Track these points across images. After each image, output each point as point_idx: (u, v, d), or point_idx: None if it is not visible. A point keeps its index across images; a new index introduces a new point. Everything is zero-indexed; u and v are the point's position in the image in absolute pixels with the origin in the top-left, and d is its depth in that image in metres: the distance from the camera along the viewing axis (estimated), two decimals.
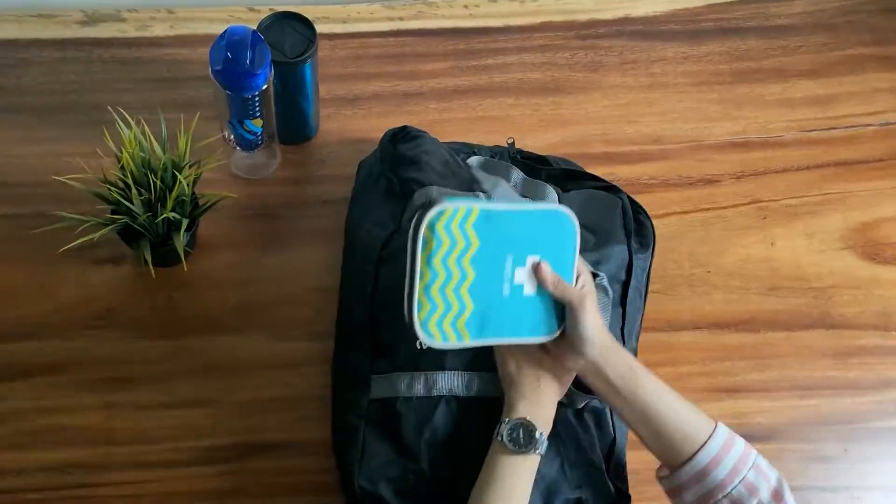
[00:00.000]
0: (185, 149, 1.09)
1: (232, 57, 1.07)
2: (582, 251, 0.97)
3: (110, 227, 1.09)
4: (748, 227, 1.29)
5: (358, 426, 1.05)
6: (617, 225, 1.14)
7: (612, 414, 1.09)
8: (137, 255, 1.12)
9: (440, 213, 0.87)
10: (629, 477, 1.10)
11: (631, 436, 1.12)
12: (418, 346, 1.03)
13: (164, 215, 1.07)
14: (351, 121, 1.32)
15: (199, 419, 1.12)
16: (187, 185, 1.09)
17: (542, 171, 1.20)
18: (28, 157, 1.24)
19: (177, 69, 1.32)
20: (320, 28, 1.18)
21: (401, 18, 1.39)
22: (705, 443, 0.93)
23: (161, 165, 1.08)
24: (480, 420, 1.00)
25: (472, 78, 1.37)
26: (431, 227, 0.87)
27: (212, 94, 1.14)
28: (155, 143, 1.10)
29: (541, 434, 0.93)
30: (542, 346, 0.97)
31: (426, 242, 0.87)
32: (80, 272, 1.18)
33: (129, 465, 1.10)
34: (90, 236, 1.08)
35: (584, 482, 1.04)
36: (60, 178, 1.10)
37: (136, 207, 1.07)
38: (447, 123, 1.32)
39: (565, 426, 1.03)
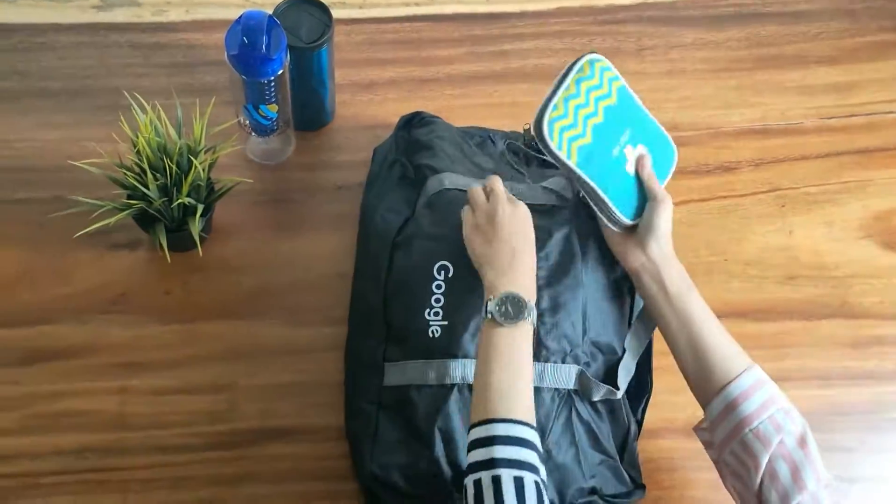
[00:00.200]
0: (201, 134, 1.09)
1: (248, 42, 1.07)
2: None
3: (126, 212, 1.09)
4: (766, 216, 1.28)
5: (371, 413, 1.05)
6: None
7: (626, 405, 1.09)
8: (153, 240, 1.13)
9: (600, 58, 1.05)
10: (646, 466, 1.10)
11: (646, 426, 1.12)
12: (430, 335, 1.02)
13: (180, 200, 1.07)
14: (366, 106, 1.31)
15: (213, 404, 1.12)
16: (203, 170, 1.09)
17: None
18: (44, 142, 1.25)
19: (192, 54, 1.32)
20: (336, 13, 1.18)
21: (417, 4, 1.38)
22: (738, 376, 0.97)
23: (177, 150, 1.08)
24: None
25: (488, 64, 1.36)
26: (591, 62, 1.04)
27: (227, 80, 1.14)
28: (170, 128, 1.09)
29: (528, 301, 0.94)
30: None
31: (582, 69, 1.03)
32: (95, 257, 1.18)
33: (143, 450, 1.10)
34: (106, 221, 1.08)
35: (599, 472, 1.03)
36: (77, 163, 1.10)
37: (152, 192, 1.07)
38: (463, 109, 1.31)
39: (580, 417, 1.03)
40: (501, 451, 0.86)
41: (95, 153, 1.16)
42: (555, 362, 1.02)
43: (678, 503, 1.12)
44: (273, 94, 1.13)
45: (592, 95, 1.04)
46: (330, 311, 1.17)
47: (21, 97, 1.28)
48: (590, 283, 1.06)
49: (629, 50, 1.38)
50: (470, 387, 1.01)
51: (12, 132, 1.25)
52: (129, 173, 1.08)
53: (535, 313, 0.95)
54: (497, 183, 1.04)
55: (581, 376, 1.03)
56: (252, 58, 1.07)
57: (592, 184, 1.03)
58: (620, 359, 1.07)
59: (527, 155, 1.21)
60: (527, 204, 1.04)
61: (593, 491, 1.03)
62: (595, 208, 1.05)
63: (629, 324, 1.10)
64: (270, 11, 1.11)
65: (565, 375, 1.02)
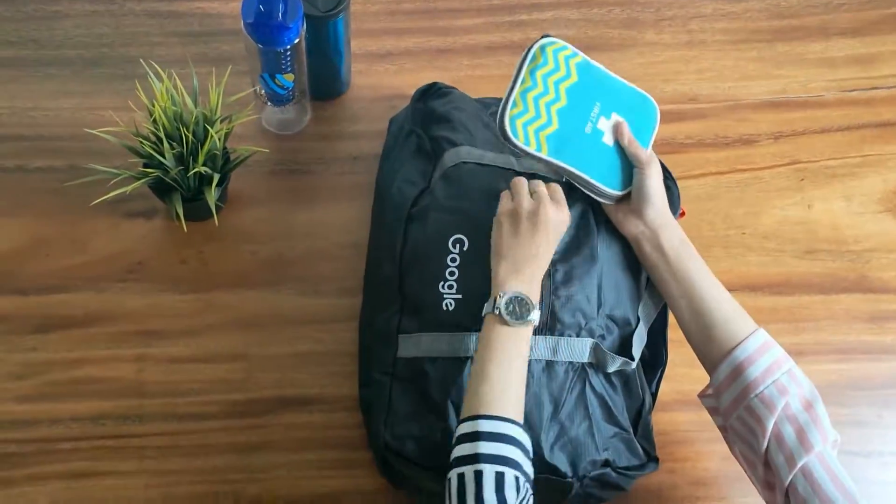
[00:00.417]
0: (217, 103, 1.09)
1: (264, 10, 1.06)
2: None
3: (142, 180, 1.09)
4: (785, 189, 1.27)
5: (384, 383, 1.05)
6: None
7: (641, 378, 1.09)
8: (169, 209, 1.13)
9: (553, 41, 1.02)
10: (660, 438, 1.10)
11: (660, 398, 1.11)
12: (444, 307, 1.02)
13: (196, 169, 1.07)
14: (383, 76, 1.30)
15: (229, 373, 1.13)
16: (219, 139, 1.09)
17: None
18: (61, 111, 1.25)
19: (208, 23, 1.31)
20: None
21: None
22: (743, 340, 0.96)
23: (193, 119, 1.08)
24: None
25: (506, 34, 1.35)
26: (542, 48, 1.01)
27: (243, 49, 1.13)
28: (187, 97, 1.09)
29: (534, 304, 0.95)
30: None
31: (534, 58, 1.01)
32: (112, 225, 1.19)
33: (160, 417, 1.11)
34: (122, 189, 1.08)
35: (612, 445, 1.03)
36: (93, 131, 1.10)
37: (168, 161, 1.07)
38: (480, 80, 1.30)
39: (594, 390, 1.03)
40: (486, 447, 0.88)
41: (112, 122, 1.16)
42: (569, 335, 1.02)
43: (691, 475, 1.12)
44: (289, 64, 1.12)
45: (551, 81, 1.02)
46: (345, 281, 1.17)
47: (37, 65, 1.28)
48: (605, 257, 1.05)
49: (648, 20, 1.37)
50: None
51: (29, 101, 1.25)
52: (145, 142, 1.08)
53: (539, 316, 0.95)
54: (541, 185, 1.02)
55: (596, 349, 1.02)
56: (268, 26, 1.07)
57: (570, 168, 1.03)
58: (635, 330, 1.06)
59: None
60: (541, 177, 1.04)
61: (606, 463, 1.03)
62: (582, 188, 1.05)
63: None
64: None
65: (580, 349, 1.02)
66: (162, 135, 1.07)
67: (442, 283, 1.03)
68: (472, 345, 1.01)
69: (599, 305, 1.04)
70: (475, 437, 0.89)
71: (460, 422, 0.92)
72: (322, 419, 1.12)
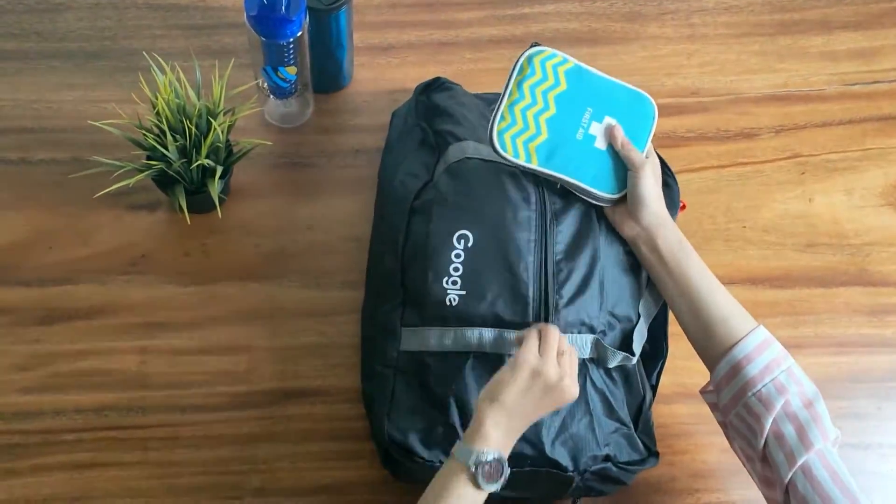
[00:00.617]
0: (220, 96, 1.09)
1: (267, 3, 1.06)
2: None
3: (146, 172, 1.09)
4: (786, 183, 1.28)
5: (387, 376, 1.05)
6: None
7: (641, 373, 1.09)
8: (172, 201, 1.13)
9: (540, 51, 1.03)
10: (660, 431, 1.10)
11: (661, 391, 1.12)
12: (448, 303, 1.03)
13: (199, 162, 1.08)
14: (385, 70, 1.31)
15: (232, 365, 1.13)
16: (222, 132, 1.09)
17: None
18: (64, 103, 1.25)
19: (211, 15, 1.31)
20: None
21: None
22: (742, 338, 0.96)
23: (196, 112, 1.08)
24: None
25: (508, 27, 1.35)
26: (530, 59, 1.02)
27: (246, 41, 1.13)
28: (190, 90, 1.09)
29: (508, 471, 0.89)
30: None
31: (522, 69, 1.02)
32: (115, 218, 1.19)
33: (163, 409, 1.11)
34: (126, 182, 1.08)
35: (613, 440, 1.04)
36: (96, 124, 1.10)
37: (172, 153, 1.07)
38: (482, 73, 1.31)
39: (595, 385, 1.03)
40: None
41: (115, 114, 1.16)
42: (570, 332, 1.02)
43: (691, 467, 1.12)
44: (292, 56, 1.13)
45: (539, 91, 1.02)
46: (347, 273, 1.18)
47: (40, 58, 1.28)
48: (607, 255, 1.05)
49: (650, 14, 1.37)
50: (486, 355, 1.01)
51: (32, 93, 1.25)
52: (148, 134, 1.08)
53: (502, 484, 0.89)
54: (571, 355, 0.95)
55: (596, 344, 1.03)
56: (271, 19, 1.07)
57: (562, 176, 1.03)
58: (635, 326, 1.07)
59: None
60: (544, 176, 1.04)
61: (607, 458, 1.03)
62: (577, 193, 1.05)
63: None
64: None
65: (580, 344, 1.02)
66: (165, 127, 1.07)
67: (447, 278, 1.03)
68: (475, 340, 1.01)
69: (601, 303, 1.04)
70: None
71: None
72: (324, 411, 1.12)
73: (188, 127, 1.07)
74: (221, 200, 1.18)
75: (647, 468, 1.06)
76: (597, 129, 1.04)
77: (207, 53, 1.26)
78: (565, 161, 1.03)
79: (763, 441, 0.94)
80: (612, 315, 1.05)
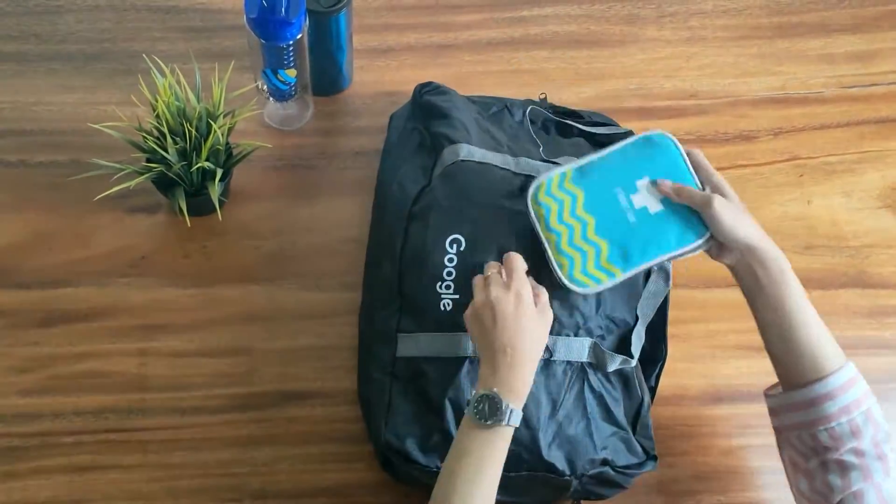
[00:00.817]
0: (220, 98, 1.09)
1: (267, 5, 1.06)
2: None
3: (146, 175, 1.09)
4: (785, 185, 1.28)
5: (384, 382, 1.06)
6: None
7: (640, 377, 1.09)
8: (172, 203, 1.13)
9: (538, 187, 1.01)
10: (659, 433, 1.10)
11: (660, 393, 1.12)
12: (442, 308, 1.03)
13: (199, 164, 1.08)
14: (384, 72, 1.31)
15: (231, 367, 1.13)
16: (222, 134, 1.09)
17: (574, 127, 1.19)
18: (63, 105, 1.25)
19: (211, 18, 1.32)
20: None
21: None
22: (829, 375, 0.94)
23: (196, 115, 1.08)
24: None
25: (507, 30, 1.35)
26: (535, 200, 1.00)
27: (246, 44, 1.14)
28: (189, 92, 1.10)
29: (507, 406, 0.90)
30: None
31: (537, 213, 1.00)
32: (115, 220, 1.19)
33: (163, 411, 1.11)
34: (125, 184, 1.09)
35: (611, 444, 1.04)
36: (96, 126, 1.10)
37: (172, 156, 1.07)
38: (481, 76, 1.31)
39: (593, 389, 1.03)
40: None
41: (114, 116, 1.16)
42: (567, 335, 1.02)
43: (692, 469, 1.12)
44: (291, 59, 1.13)
45: (566, 217, 1.00)
46: (347, 276, 1.18)
47: (39, 60, 1.28)
48: None
49: (649, 17, 1.37)
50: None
51: (31, 95, 1.25)
52: (148, 137, 1.08)
53: (517, 417, 0.90)
54: (517, 266, 0.96)
55: (595, 348, 1.03)
56: (271, 21, 1.07)
57: (651, 263, 0.99)
58: (633, 329, 1.07)
59: (546, 122, 1.20)
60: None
61: (605, 462, 1.03)
62: (678, 259, 1.02)
63: None
64: None
65: (578, 348, 1.02)
66: (165, 130, 1.07)
67: (440, 283, 1.03)
68: (470, 345, 1.01)
69: (598, 305, 1.04)
70: None
71: None
72: (324, 413, 1.12)
73: (188, 129, 1.07)
74: (221, 203, 1.18)
75: (646, 472, 1.07)
76: (640, 199, 1.00)
77: (207, 56, 1.26)
78: (642, 249, 0.99)
79: (818, 463, 0.93)
80: (610, 319, 1.05)
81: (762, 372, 1.16)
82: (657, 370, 1.12)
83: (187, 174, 1.10)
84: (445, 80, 1.28)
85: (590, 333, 1.03)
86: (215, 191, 1.09)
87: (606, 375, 1.05)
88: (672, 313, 1.12)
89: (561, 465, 1.01)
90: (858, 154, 1.30)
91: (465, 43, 1.34)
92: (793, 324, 0.96)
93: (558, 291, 1.00)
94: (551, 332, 0.99)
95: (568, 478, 1.02)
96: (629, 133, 1.16)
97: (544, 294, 0.97)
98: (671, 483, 1.12)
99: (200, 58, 1.22)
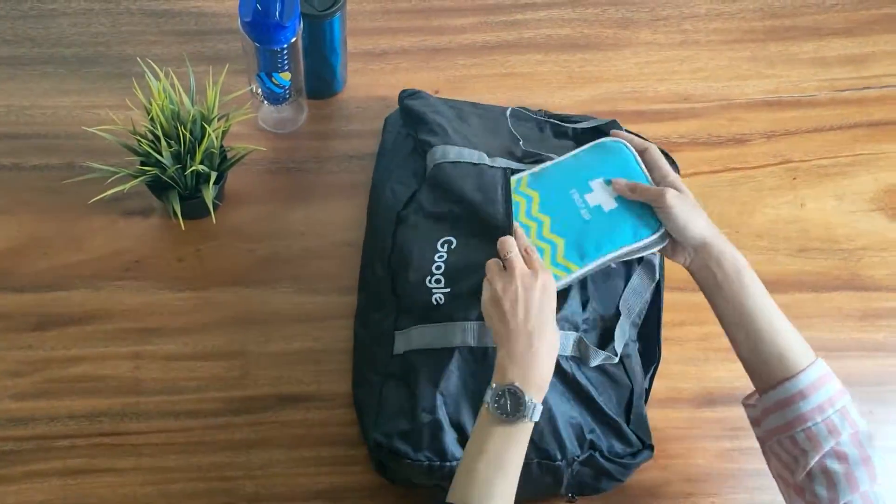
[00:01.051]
0: (214, 101, 1.09)
1: (261, 9, 1.07)
2: None
3: (140, 178, 1.09)
4: (778, 188, 1.28)
5: (376, 383, 1.06)
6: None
7: (629, 367, 1.09)
8: (166, 207, 1.13)
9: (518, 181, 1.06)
10: (654, 435, 1.10)
11: (654, 395, 1.13)
12: (434, 302, 1.03)
13: (193, 167, 1.08)
14: (378, 76, 1.31)
15: (226, 370, 1.13)
16: (216, 137, 1.09)
17: (569, 129, 1.20)
18: (57, 109, 1.25)
19: (205, 22, 1.32)
20: None
21: None
22: (799, 373, 0.93)
23: (190, 118, 1.08)
24: (493, 368, 0.99)
25: (501, 34, 1.35)
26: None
27: (240, 48, 1.14)
28: (184, 96, 1.10)
29: (530, 400, 0.89)
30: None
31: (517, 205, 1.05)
32: (109, 223, 1.19)
33: (157, 415, 1.11)
34: (120, 188, 1.09)
35: (599, 429, 1.04)
36: (90, 129, 1.10)
37: (166, 159, 1.08)
38: (475, 79, 1.31)
39: (577, 380, 1.03)
40: None
41: (109, 120, 1.16)
42: None
43: (684, 471, 1.13)
44: (286, 62, 1.13)
45: (522, 217, 1.04)
46: (341, 279, 1.18)
47: (33, 64, 1.28)
48: None
49: (643, 20, 1.38)
50: (471, 349, 1.02)
51: (25, 99, 1.25)
52: (142, 140, 1.08)
53: (537, 411, 0.90)
54: (512, 249, 0.96)
55: (579, 343, 1.03)
56: (265, 25, 1.07)
57: (607, 257, 1.01)
58: (616, 325, 1.07)
59: (540, 123, 1.21)
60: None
61: (592, 446, 1.04)
62: (635, 257, 1.04)
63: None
64: None
65: (563, 342, 1.03)
66: (159, 133, 1.07)
67: (429, 277, 1.04)
68: (459, 335, 1.01)
69: (585, 304, 1.05)
70: None
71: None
72: (318, 416, 1.12)
73: (182, 133, 1.07)
74: (215, 206, 1.18)
75: (642, 462, 1.07)
76: (594, 198, 1.03)
77: (201, 59, 1.27)
78: (597, 245, 1.01)
79: (804, 474, 0.92)
80: (595, 314, 1.06)
81: None
82: (651, 373, 1.12)
83: (181, 177, 1.10)
84: (439, 84, 1.29)
85: (575, 328, 1.04)
86: (209, 194, 1.09)
87: (591, 368, 1.05)
88: (666, 316, 1.12)
89: (553, 450, 1.02)
90: (851, 157, 1.31)
91: (458, 46, 1.34)
92: (756, 323, 0.96)
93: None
94: None
95: (559, 463, 1.02)
96: (613, 123, 1.17)
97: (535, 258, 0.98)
98: (664, 485, 1.12)
99: (195, 61, 1.23)
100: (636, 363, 1.10)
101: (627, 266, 1.08)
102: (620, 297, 1.08)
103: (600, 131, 1.19)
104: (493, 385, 0.90)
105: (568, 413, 1.03)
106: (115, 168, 1.10)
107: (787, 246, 1.25)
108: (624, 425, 1.05)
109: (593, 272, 1.02)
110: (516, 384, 0.89)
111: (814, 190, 1.29)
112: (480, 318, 1.01)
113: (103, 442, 1.10)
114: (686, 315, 1.19)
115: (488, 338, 1.01)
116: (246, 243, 1.20)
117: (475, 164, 1.10)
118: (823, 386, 0.93)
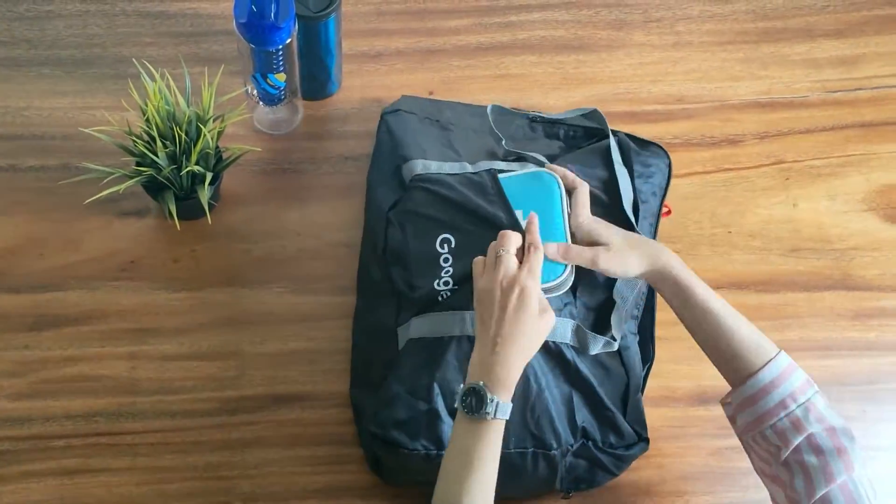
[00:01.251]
0: (209, 102, 1.10)
1: (256, 10, 1.07)
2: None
3: (135, 179, 1.09)
4: (770, 188, 1.29)
5: (375, 383, 1.07)
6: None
7: (626, 359, 1.10)
8: (162, 207, 1.13)
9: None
10: (649, 433, 1.11)
11: (648, 394, 1.13)
12: (439, 299, 1.04)
13: (189, 168, 1.08)
14: (373, 77, 1.31)
15: (222, 370, 1.14)
16: (211, 138, 1.10)
17: (560, 130, 1.21)
18: (53, 110, 1.25)
19: (200, 23, 1.32)
20: None
21: None
22: (759, 370, 0.94)
23: (185, 119, 1.09)
24: None
25: (495, 35, 1.36)
26: None
27: (235, 49, 1.14)
28: (179, 97, 1.10)
29: (492, 399, 0.89)
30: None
31: None
32: (104, 224, 1.19)
33: (153, 415, 1.11)
34: (115, 188, 1.09)
35: (593, 420, 1.05)
36: (86, 130, 1.11)
37: (161, 160, 1.08)
38: (469, 81, 1.32)
39: (577, 369, 1.04)
40: None
41: (104, 121, 1.17)
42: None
43: (679, 470, 1.13)
44: (281, 63, 1.14)
45: None
46: (337, 279, 1.18)
47: (29, 65, 1.28)
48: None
49: (636, 22, 1.38)
50: (468, 338, 1.02)
51: (21, 100, 1.26)
52: (138, 141, 1.09)
53: (504, 410, 0.90)
54: (505, 246, 0.95)
55: (577, 330, 1.04)
56: (260, 26, 1.08)
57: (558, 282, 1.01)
58: (612, 311, 1.07)
59: (533, 123, 1.22)
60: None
61: (584, 434, 1.04)
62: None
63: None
64: None
65: (561, 329, 1.03)
66: (155, 134, 1.07)
67: (437, 280, 1.05)
68: (458, 324, 1.02)
69: (575, 289, 1.05)
70: None
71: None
72: (314, 416, 1.12)
73: (178, 133, 1.08)
74: (211, 207, 1.18)
75: (637, 454, 1.07)
76: None
77: (197, 60, 1.27)
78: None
79: (782, 468, 0.93)
80: (585, 306, 1.07)
81: None
82: (645, 372, 1.13)
83: (177, 178, 1.11)
84: (433, 85, 1.30)
85: (571, 316, 1.04)
86: (205, 195, 1.10)
87: (588, 357, 1.06)
88: (660, 315, 1.13)
89: (549, 438, 1.02)
90: (843, 157, 1.32)
91: (453, 48, 1.34)
92: (710, 329, 0.97)
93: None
94: None
95: (555, 452, 1.02)
96: (594, 112, 1.17)
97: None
98: (659, 483, 1.12)
99: (190, 62, 1.23)
100: (635, 355, 1.11)
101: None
102: (613, 287, 1.08)
103: (592, 134, 1.19)
104: (461, 385, 0.92)
105: (563, 402, 1.03)
106: (111, 169, 1.10)
107: (779, 246, 1.26)
108: (619, 416, 1.06)
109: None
110: (481, 383, 0.90)
111: (806, 190, 1.29)
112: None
113: (99, 442, 1.10)
114: None
115: None
116: (241, 244, 1.20)
117: (458, 174, 1.11)
118: (786, 380, 0.94)
